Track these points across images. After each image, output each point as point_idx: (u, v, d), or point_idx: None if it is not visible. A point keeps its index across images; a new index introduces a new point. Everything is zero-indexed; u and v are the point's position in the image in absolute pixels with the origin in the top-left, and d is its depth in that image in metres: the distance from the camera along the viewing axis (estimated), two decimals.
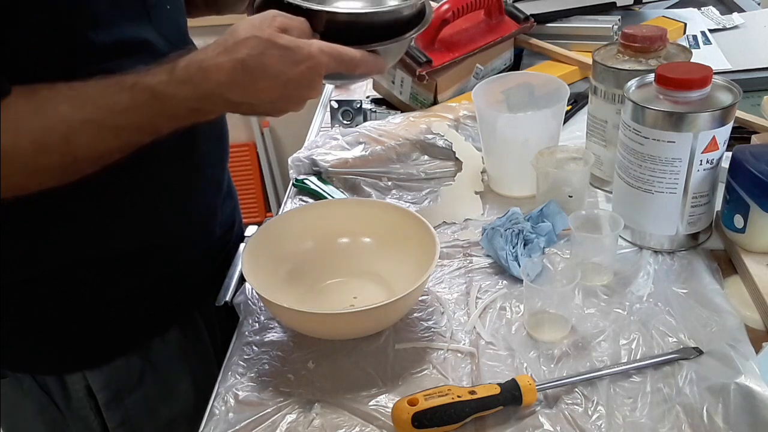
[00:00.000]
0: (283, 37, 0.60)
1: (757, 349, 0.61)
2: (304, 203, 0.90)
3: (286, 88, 0.61)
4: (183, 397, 0.81)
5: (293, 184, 0.94)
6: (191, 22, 0.80)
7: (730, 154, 0.71)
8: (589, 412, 0.57)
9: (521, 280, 0.70)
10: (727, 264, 0.73)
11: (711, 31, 1.26)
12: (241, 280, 0.76)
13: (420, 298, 0.71)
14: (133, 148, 0.62)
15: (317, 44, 0.61)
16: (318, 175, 0.94)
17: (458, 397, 0.56)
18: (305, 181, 0.93)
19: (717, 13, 1.32)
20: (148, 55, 0.65)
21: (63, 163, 0.59)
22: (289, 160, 0.97)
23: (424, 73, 1.01)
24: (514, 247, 0.74)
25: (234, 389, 0.63)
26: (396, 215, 0.75)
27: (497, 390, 0.57)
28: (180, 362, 0.80)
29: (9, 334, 0.72)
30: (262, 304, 0.73)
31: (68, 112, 0.57)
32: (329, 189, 0.91)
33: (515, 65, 1.21)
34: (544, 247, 0.76)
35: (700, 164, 0.69)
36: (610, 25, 1.18)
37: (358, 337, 0.67)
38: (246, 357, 0.67)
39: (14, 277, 0.69)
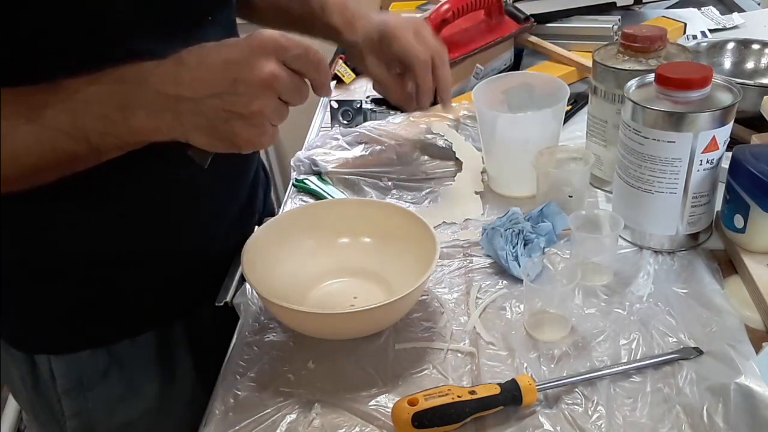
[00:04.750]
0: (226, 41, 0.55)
1: (757, 349, 0.61)
2: (304, 203, 0.90)
3: (226, 72, 0.52)
4: (145, 402, 0.78)
5: (293, 184, 0.94)
6: None
7: (730, 154, 0.71)
8: (589, 412, 0.57)
9: (521, 280, 0.70)
10: (727, 264, 0.73)
11: (711, 31, 1.26)
12: (241, 280, 0.76)
13: (420, 298, 0.71)
14: (74, 162, 0.56)
15: (266, 33, 0.54)
16: (318, 175, 0.94)
17: (458, 397, 0.56)
18: (305, 181, 0.93)
19: (717, 13, 1.33)
20: None
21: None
22: (291, 160, 0.97)
23: None
24: (514, 247, 0.74)
25: (234, 389, 0.63)
26: (396, 215, 0.75)
27: (497, 390, 0.57)
28: (148, 366, 0.78)
29: None
30: (262, 304, 0.73)
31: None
32: (329, 189, 0.91)
33: (515, 65, 1.21)
34: (544, 247, 0.76)
35: (700, 164, 0.69)
36: (610, 25, 1.18)
37: (358, 337, 0.67)
38: (246, 357, 0.67)
39: None
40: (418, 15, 1.24)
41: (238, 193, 0.82)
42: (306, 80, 0.57)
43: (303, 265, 0.75)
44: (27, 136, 0.54)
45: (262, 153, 2.77)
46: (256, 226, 0.78)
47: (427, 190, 0.91)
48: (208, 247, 0.78)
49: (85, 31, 0.57)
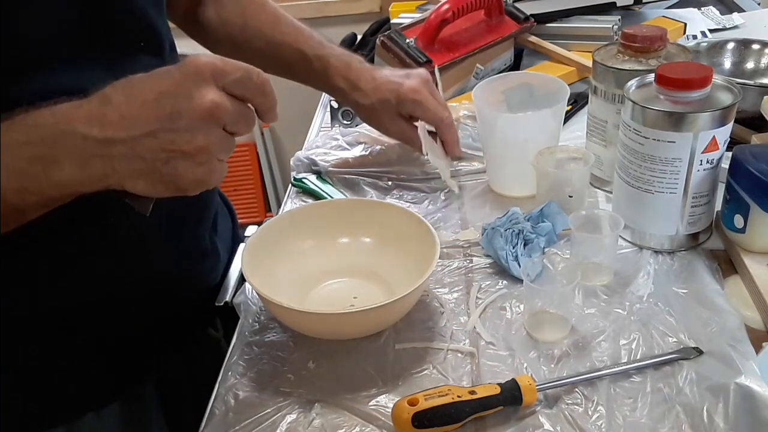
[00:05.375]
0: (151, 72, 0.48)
1: (757, 349, 0.61)
2: (304, 203, 0.90)
3: (161, 106, 0.46)
4: None
5: (292, 183, 0.94)
6: None
7: (730, 154, 0.71)
8: (589, 412, 0.57)
9: (521, 280, 0.70)
10: (727, 264, 0.73)
11: (711, 31, 1.26)
12: (241, 280, 0.75)
13: (420, 298, 0.71)
14: None
15: (196, 57, 0.48)
16: (317, 174, 0.94)
17: (458, 397, 0.56)
18: (304, 180, 0.93)
19: (717, 13, 1.33)
20: None
21: None
22: (291, 160, 0.97)
23: None
24: (514, 247, 0.74)
25: (234, 389, 0.63)
26: (396, 215, 0.75)
27: (497, 390, 0.57)
28: None
29: None
30: (262, 304, 0.73)
31: None
32: (328, 189, 0.91)
33: (515, 65, 1.21)
34: (544, 247, 0.76)
35: (700, 164, 0.69)
36: (610, 25, 1.18)
37: (358, 337, 0.67)
38: (246, 357, 0.67)
39: None
40: (419, 15, 1.24)
41: (199, 234, 0.75)
42: (250, 106, 0.51)
43: (303, 265, 0.75)
44: None
45: (262, 153, 2.76)
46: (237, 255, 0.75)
47: (427, 191, 0.91)
48: (172, 295, 0.73)
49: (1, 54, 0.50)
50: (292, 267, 0.74)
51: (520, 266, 0.72)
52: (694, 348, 0.62)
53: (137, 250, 0.67)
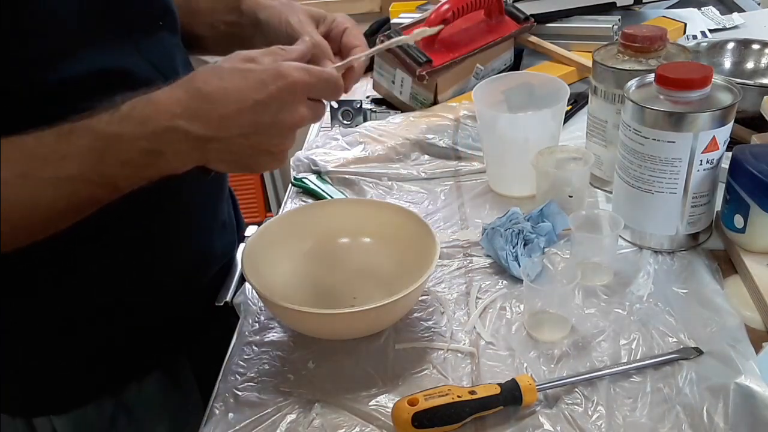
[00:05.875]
0: (247, 64, 0.54)
1: (757, 349, 0.61)
2: (304, 203, 0.90)
3: (257, 114, 0.52)
4: None
5: (292, 183, 0.94)
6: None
7: (730, 154, 0.71)
8: (589, 412, 0.57)
9: (521, 280, 0.70)
10: (727, 264, 0.73)
11: (711, 31, 1.26)
12: (241, 280, 0.75)
13: (420, 298, 0.71)
14: (94, 205, 0.54)
15: (287, 63, 0.54)
16: (317, 174, 0.94)
17: (458, 397, 0.56)
18: (304, 180, 0.93)
19: (717, 13, 1.33)
20: (134, 87, 0.55)
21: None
22: (291, 160, 0.97)
23: (424, 73, 1.01)
24: (514, 247, 0.74)
25: (234, 389, 0.63)
26: (396, 215, 0.75)
27: (497, 390, 0.57)
28: (157, 407, 0.76)
29: None
30: (262, 304, 0.73)
31: None
32: (328, 188, 0.91)
33: (515, 65, 1.21)
34: (544, 247, 0.76)
35: (700, 164, 0.69)
36: (610, 25, 1.18)
37: (358, 337, 0.67)
38: (246, 357, 0.67)
39: None
40: (419, 15, 1.24)
41: (218, 210, 0.81)
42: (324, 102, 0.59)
43: (303, 264, 0.75)
44: (46, 187, 0.51)
45: None
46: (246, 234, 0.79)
47: (427, 191, 0.91)
48: (202, 270, 0.78)
49: (28, 44, 0.54)
50: (292, 267, 0.74)
51: (520, 266, 0.72)
52: (694, 348, 0.62)
53: (177, 222, 0.72)
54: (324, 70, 0.56)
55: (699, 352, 0.61)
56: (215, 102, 0.51)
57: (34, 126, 0.51)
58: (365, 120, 1.06)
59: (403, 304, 0.65)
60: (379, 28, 1.38)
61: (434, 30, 0.86)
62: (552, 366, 0.62)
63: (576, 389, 0.59)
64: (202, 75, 0.53)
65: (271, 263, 0.72)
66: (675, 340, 0.64)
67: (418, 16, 1.23)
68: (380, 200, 0.88)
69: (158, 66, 0.64)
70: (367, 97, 1.15)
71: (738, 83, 0.72)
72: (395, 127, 0.99)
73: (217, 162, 0.55)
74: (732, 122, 0.69)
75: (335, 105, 1.07)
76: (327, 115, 1.11)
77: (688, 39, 1.22)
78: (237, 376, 0.65)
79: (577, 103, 1.07)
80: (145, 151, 0.52)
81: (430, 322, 0.69)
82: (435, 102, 1.07)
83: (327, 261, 0.76)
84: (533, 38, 1.21)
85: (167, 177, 0.55)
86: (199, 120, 0.51)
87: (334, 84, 0.57)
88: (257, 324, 0.71)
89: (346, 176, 0.93)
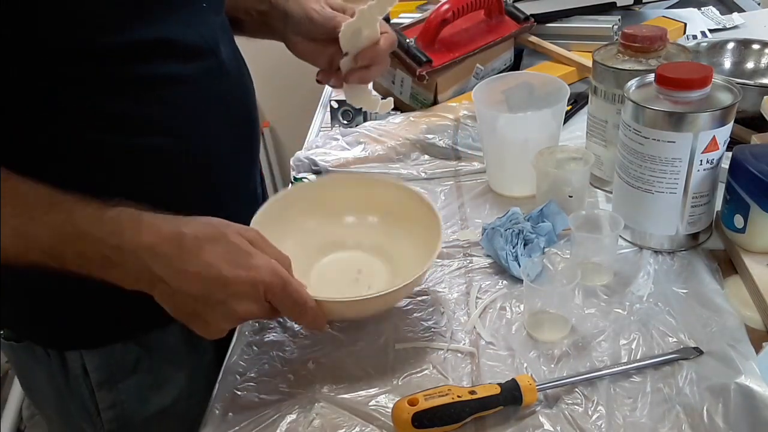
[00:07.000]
0: (241, 239, 0.56)
1: (757, 349, 0.61)
2: None
3: (212, 288, 0.55)
4: (176, 390, 0.80)
5: (292, 183, 0.94)
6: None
7: (730, 154, 0.71)
8: (589, 412, 0.57)
9: (521, 280, 0.70)
10: (727, 264, 0.73)
11: (711, 31, 1.26)
12: None
13: (420, 298, 0.71)
14: (33, 266, 0.56)
15: (273, 263, 0.57)
16: (317, 174, 0.94)
17: (458, 397, 0.56)
18: (304, 180, 0.93)
19: (717, 13, 1.33)
20: (177, 56, 0.62)
21: None
22: (291, 160, 0.97)
23: (424, 73, 1.01)
24: (514, 247, 0.74)
25: (234, 389, 0.63)
26: (402, 195, 0.76)
27: (497, 390, 0.57)
28: (178, 355, 0.80)
29: (12, 303, 0.73)
30: None
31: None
32: None
33: (515, 65, 1.21)
34: (544, 247, 0.76)
35: (700, 164, 0.69)
36: (610, 25, 1.18)
37: (361, 320, 0.68)
38: (246, 357, 0.67)
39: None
40: (419, 15, 1.24)
41: (251, 171, 0.84)
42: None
43: (307, 241, 0.76)
44: (6, 230, 0.54)
45: (262, 153, 2.76)
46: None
47: (427, 191, 0.91)
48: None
49: (80, 21, 0.58)
50: (297, 240, 0.74)
51: (520, 266, 0.72)
52: (694, 348, 0.62)
53: (201, 185, 0.74)
54: (302, 295, 0.58)
55: (699, 352, 0.61)
56: (185, 257, 0.54)
57: (95, 88, 0.58)
58: (365, 120, 1.06)
59: (407, 289, 0.66)
60: None
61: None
62: (552, 366, 0.62)
63: (576, 389, 0.59)
64: (197, 223, 0.56)
65: (276, 237, 0.70)
66: (675, 340, 0.64)
67: (418, 16, 1.23)
68: (386, 178, 0.88)
69: (205, 37, 0.68)
70: None
71: (738, 83, 0.72)
72: (395, 127, 0.99)
73: (160, 300, 0.57)
74: (732, 122, 0.69)
75: (335, 105, 1.07)
76: (327, 115, 1.12)
77: (688, 39, 1.22)
78: (237, 376, 0.65)
79: (577, 103, 1.07)
80: (104, 257, 0.55)
81: (430, 322, 0.69)
82: (435, 102, 1.07)
83: (332, 237, 0.77)
84: (533, 38, 1.21)
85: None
86: (162, 262, 0.54)
87: (301, 310, 0.59)
88: (257, 324, 0.71)
89: None
